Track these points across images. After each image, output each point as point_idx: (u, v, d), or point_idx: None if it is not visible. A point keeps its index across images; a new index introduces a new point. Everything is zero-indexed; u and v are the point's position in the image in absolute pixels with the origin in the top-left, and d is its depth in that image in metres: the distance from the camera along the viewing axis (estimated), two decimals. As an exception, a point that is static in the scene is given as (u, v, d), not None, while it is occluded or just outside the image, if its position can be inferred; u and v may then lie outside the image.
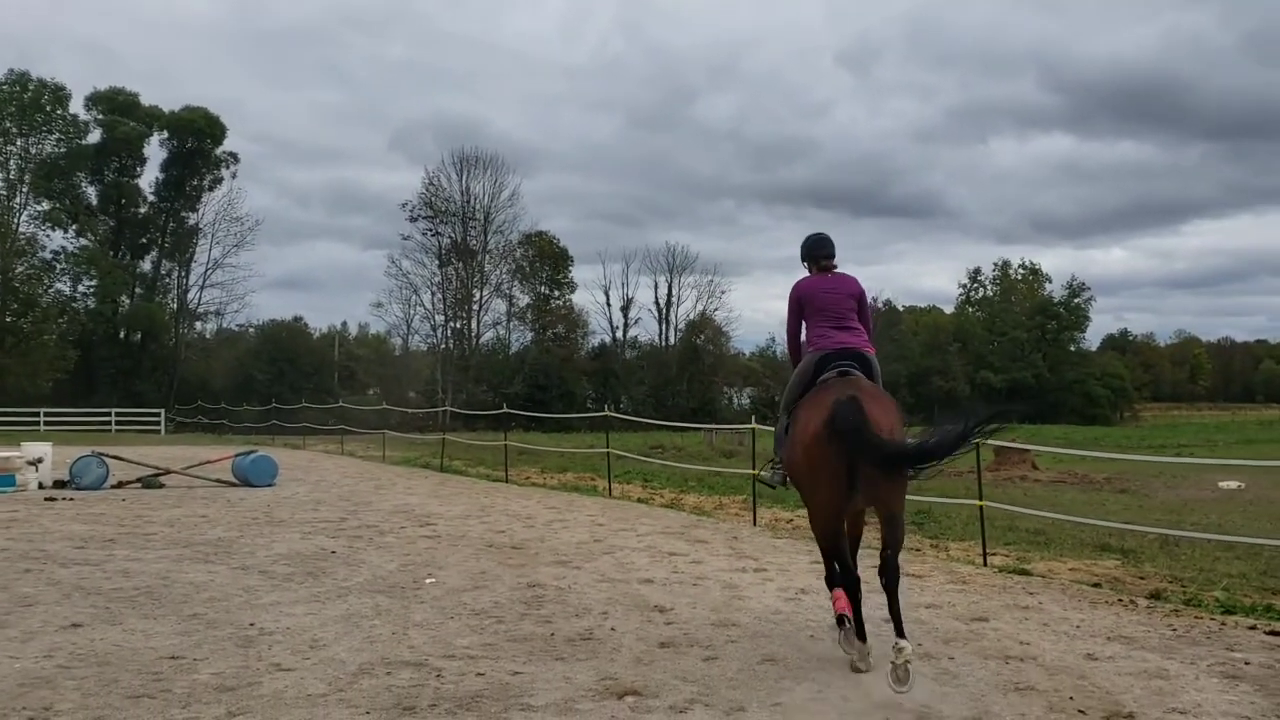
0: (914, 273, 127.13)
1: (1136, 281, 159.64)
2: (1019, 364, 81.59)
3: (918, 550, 10.38)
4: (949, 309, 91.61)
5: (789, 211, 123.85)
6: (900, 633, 5.26)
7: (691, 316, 75.23)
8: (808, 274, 6.79)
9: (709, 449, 28.59)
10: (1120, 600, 7.75)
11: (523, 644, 6.17)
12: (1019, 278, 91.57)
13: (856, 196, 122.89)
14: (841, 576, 6.11)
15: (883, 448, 5.36)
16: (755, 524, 12.34)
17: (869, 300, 6.94)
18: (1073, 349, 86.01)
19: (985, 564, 9.44)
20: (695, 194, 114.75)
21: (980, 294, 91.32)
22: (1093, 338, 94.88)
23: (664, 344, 75.42)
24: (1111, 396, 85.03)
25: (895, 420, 5.81)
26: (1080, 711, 4.94)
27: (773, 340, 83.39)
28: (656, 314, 75.70)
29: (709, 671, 5.56)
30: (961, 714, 4.88)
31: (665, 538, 11.04)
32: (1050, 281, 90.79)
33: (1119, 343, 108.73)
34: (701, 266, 76.23)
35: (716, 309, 75.23)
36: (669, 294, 75.30)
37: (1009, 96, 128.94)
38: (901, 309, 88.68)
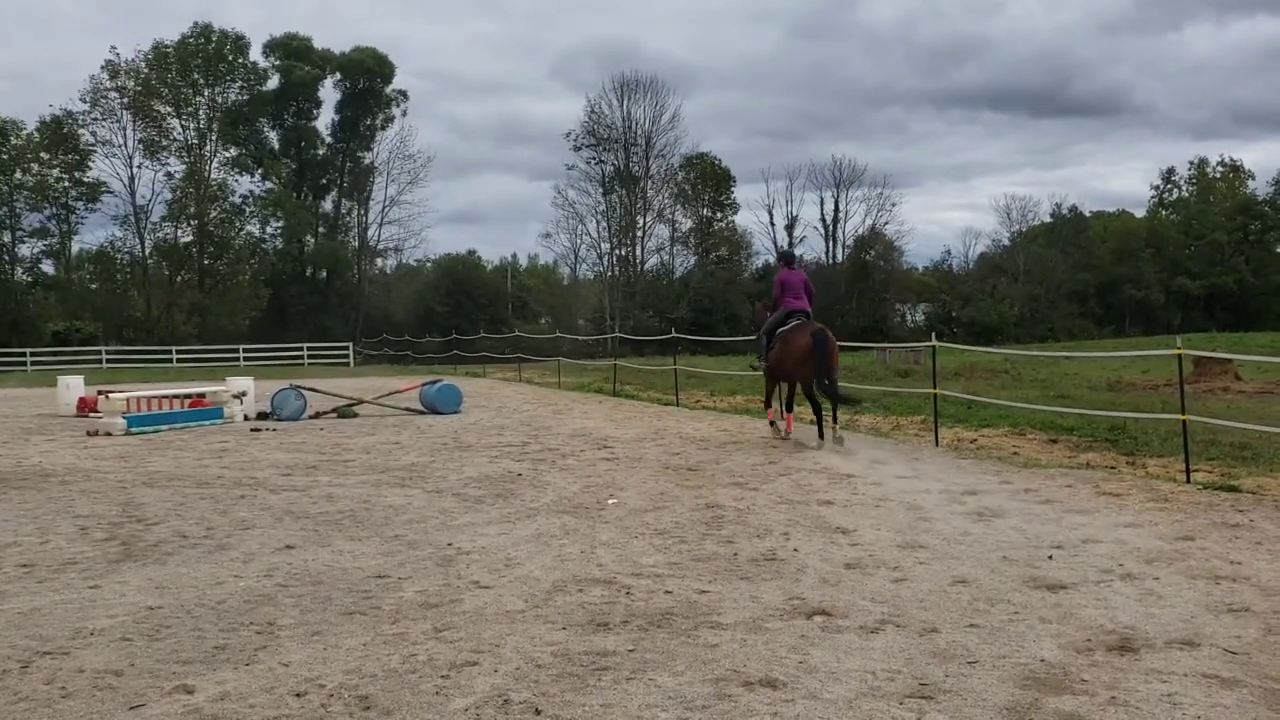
0: (1100, 174, 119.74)
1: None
2: (1219, 269, 76.31)
3: (1113, 469, 9.96)
4: (1140, 212, 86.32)
5: (963, 115, 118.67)
6: (835, 421, 12.48)
7: (860, 232, 73.53)
8: (784, 269, 13.93)
9: (883, 368, 28.04)
10: (1344, 519, 7.24)
11: (707, 563, 6.27)
12: (1217, 176, 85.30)
13: (1035, 96, 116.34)
14: (792, 404, 13.68)
15: (828, 357, 12.04)
16: (938, 444, 12.09)
17: (810, 282, 13.64)
18: (1280, 250, 79.82)
19: (1188, 481, 8.97)
20: (862, 103, 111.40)
21: (1174, 195, 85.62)
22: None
23: (831, 261, 74.02)
24: (1324, 301, 78.66)
25: (834, 343, 12.35)
26: (1303, 636, 4.66)
27: (948, 253, 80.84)
28: (823, 231, 74.37)
29: (899, 593, 5.51)
30: (1169, 635, 4.69)
31: (842, 459, 10.96)
32: (1253, 179, 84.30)
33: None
34: (870, 179, 74.68)
35: (887, 223, 73.30)
36: (836, 209, 73.71)
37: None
38: (1088, 214, 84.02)
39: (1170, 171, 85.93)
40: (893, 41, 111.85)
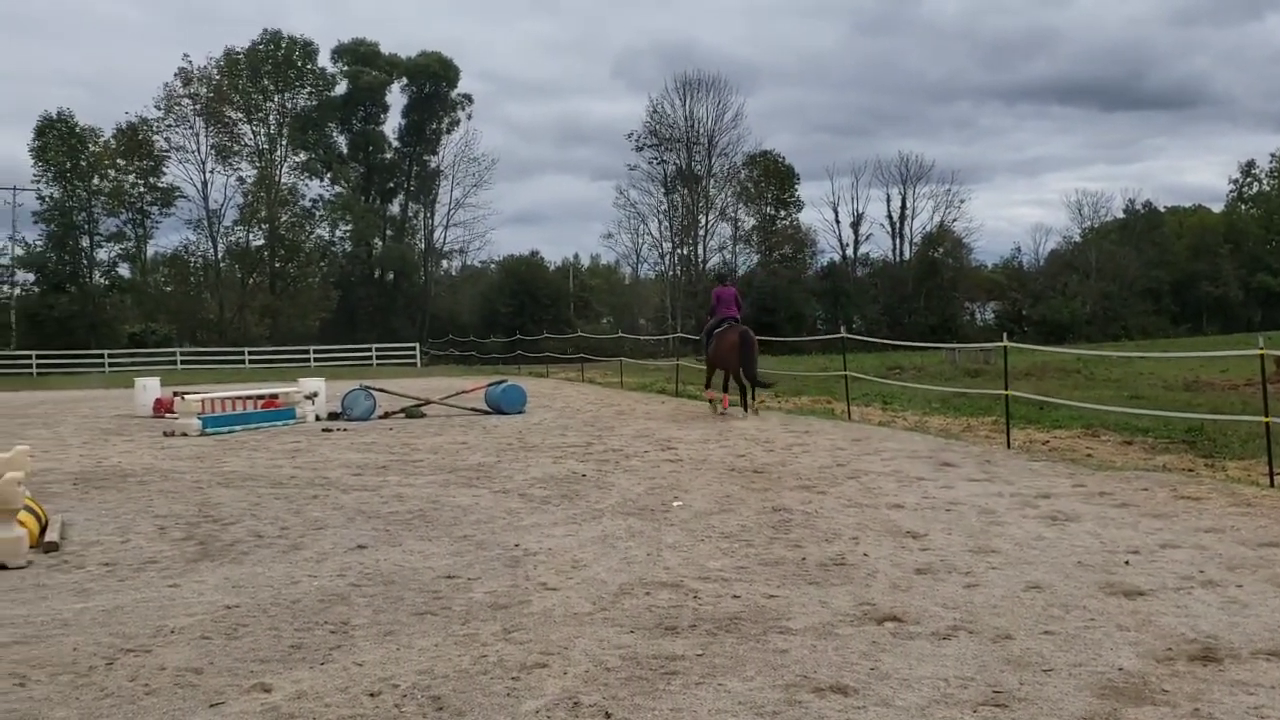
0: (1175, 169, 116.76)
1: None
2: (1302, 264, 73.95)
3: (1191, 471, 9.71)
4: (1218, 207, 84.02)
5: (1032, 110, 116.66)
6: (754, 399, 17.11)
7: (928, 229, 72.66)
8: (719, 286, 18.36)
9: (952, 368, 27.67)
10: None
11: (775, 568, 6.23)
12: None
13: (1107, 89, 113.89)
14: (726, 387, 17.37)
15: (750, 352, 16.44)
16: (1009, 446, 11.89)
17: (739, 295, 17.99)
18: (1369, 245, 77.11)
19: (1272, 485, 8.72)
20: (927, 98, 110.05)
21: (1255, 189, 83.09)
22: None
23: (898, 259, 73.27)
24: None
25: (755, 341, 16.57)
26: (1397, 647, 4.50)
27: (1018, 251, 79.48)
28: (889, 228, 73.68)
29: (971, 598, 5.43)
30: (1255, 645, 4.56)
31: (912, 462, 10.83)
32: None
33: None
34: (937, 175, 73.51)
35: (955, 219, 72.38)
36: (902, 206, 72.97)
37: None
38: (1163, 210, 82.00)
39: (1250, 164, 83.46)
40: (958, 35, 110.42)
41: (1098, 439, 12.35)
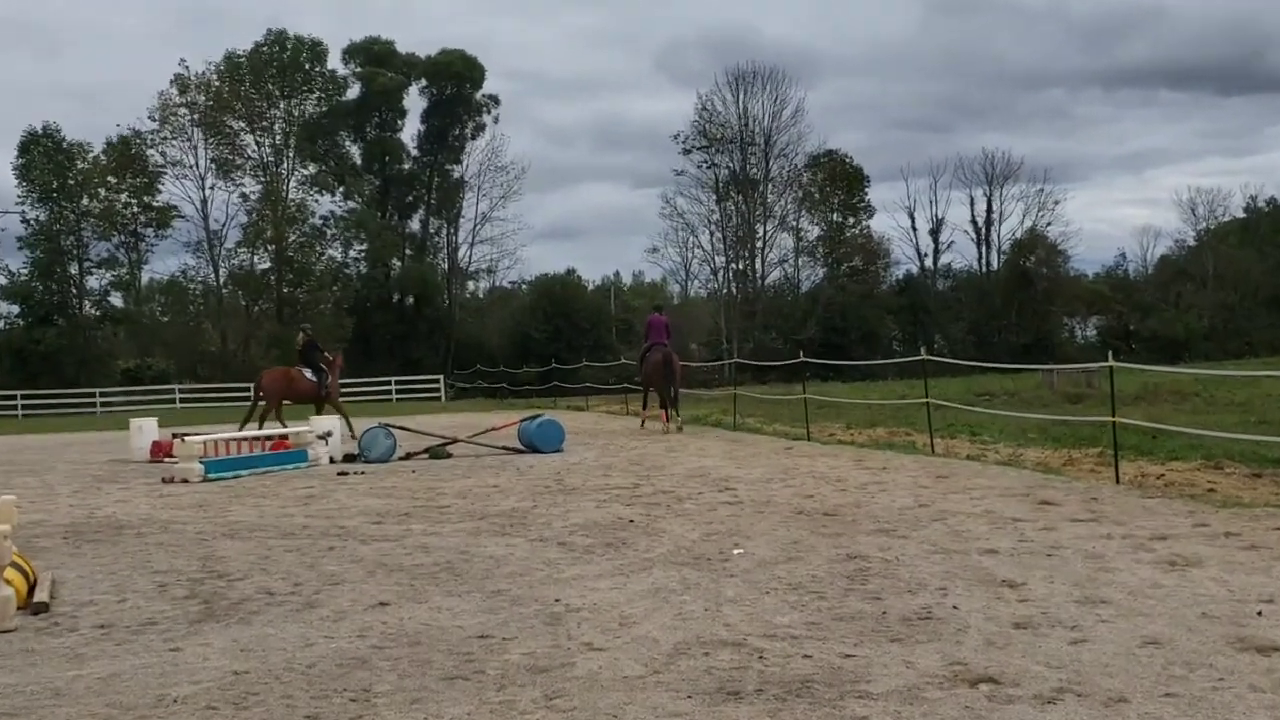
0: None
1: None
2: None
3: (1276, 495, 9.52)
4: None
5: (1135, 97, 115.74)
6: (678, 415, 23.36)
7: (1018, 234, 72.06)
8: (653, 314, 26.12)
9: (1050, 393, 27.39)
10: None
11: (851, 623, 6.20)
12: None
13: (1221, 71, 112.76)
14: (660, 403, 23.79)
15: (671, 370, 23.27)
16: (1118, 481, 11.73)
17: (669, 323, 25.55)
18: None
19: None
20: (1015, 86, 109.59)
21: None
22: None
23: (985, 270, 72.80)
24: None
25: (678, 362, 24.16)
26: None
27: (1123, 257, 78.80)
28: (974, 235, 73.23)
29: (1078, 656, 5.36)
30: None
31: (1006, 500, 10.73)
32: None
33: None
34: (1028, 174, 72.39)
35: (1049, 223, 71.82)
36: (988, 210, 72.57)
37: None
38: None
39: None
40: (1048, 14, 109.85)
41: (1221, 472, 12.16)
